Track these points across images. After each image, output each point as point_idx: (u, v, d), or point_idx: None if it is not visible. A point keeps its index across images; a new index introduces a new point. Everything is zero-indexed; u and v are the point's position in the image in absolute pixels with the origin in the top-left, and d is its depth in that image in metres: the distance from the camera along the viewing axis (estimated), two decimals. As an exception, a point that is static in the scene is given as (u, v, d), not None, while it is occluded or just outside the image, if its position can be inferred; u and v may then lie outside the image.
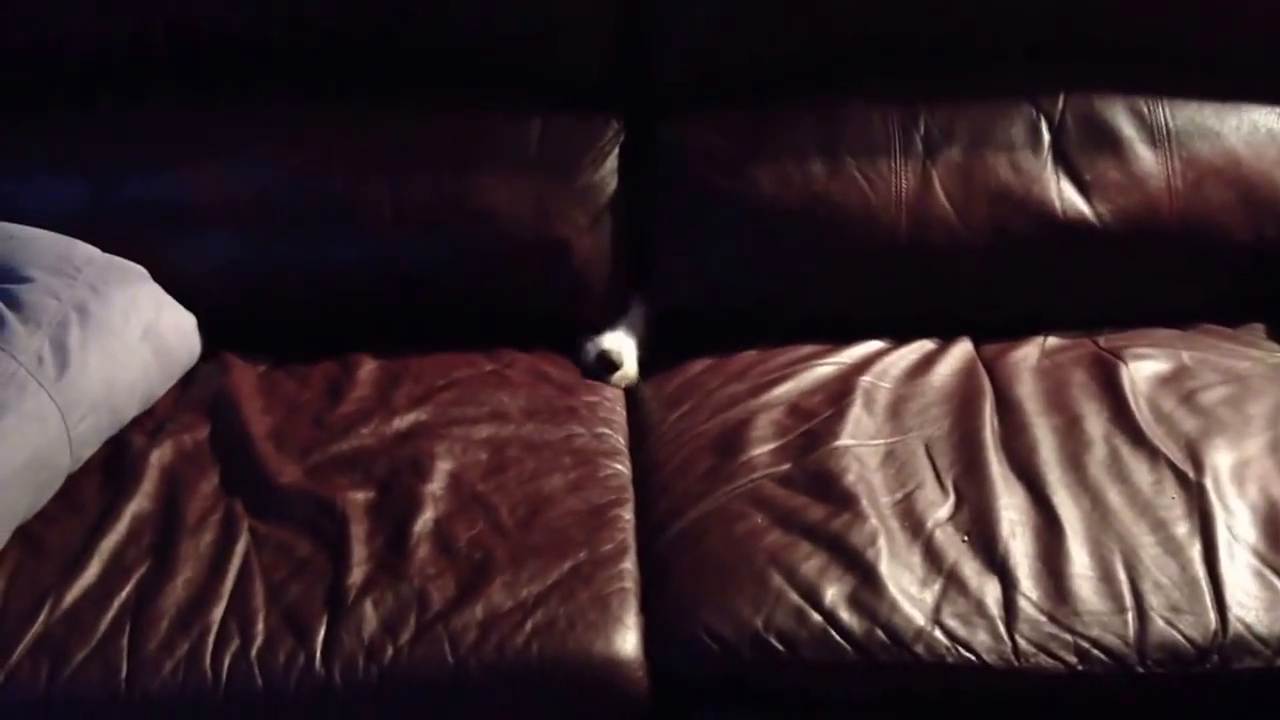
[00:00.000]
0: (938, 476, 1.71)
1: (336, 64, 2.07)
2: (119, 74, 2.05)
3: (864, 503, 1.65)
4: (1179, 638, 1.50)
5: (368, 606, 1.54)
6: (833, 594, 1.54)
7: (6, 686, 1.46)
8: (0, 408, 1.60)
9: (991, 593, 1.54)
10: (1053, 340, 1.97)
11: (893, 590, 1.54)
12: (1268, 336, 2.00)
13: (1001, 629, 1.51)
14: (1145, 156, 2.02)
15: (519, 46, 2.06)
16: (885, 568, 1.56)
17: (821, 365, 1.93)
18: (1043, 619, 1.52)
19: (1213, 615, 1.52)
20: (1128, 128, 2.04)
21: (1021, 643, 1.50)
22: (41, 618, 1.52)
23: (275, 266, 2.01)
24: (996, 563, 1.57)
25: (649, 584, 1.61)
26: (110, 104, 2.04)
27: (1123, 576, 1.56)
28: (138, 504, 1.68)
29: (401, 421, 1.83)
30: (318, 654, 1.50)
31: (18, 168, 2.01)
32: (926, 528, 1.63)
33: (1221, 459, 1.71)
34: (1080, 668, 1.49)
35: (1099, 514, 1.64)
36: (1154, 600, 1.53)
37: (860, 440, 1.77)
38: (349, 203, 2.00)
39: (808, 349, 1.97)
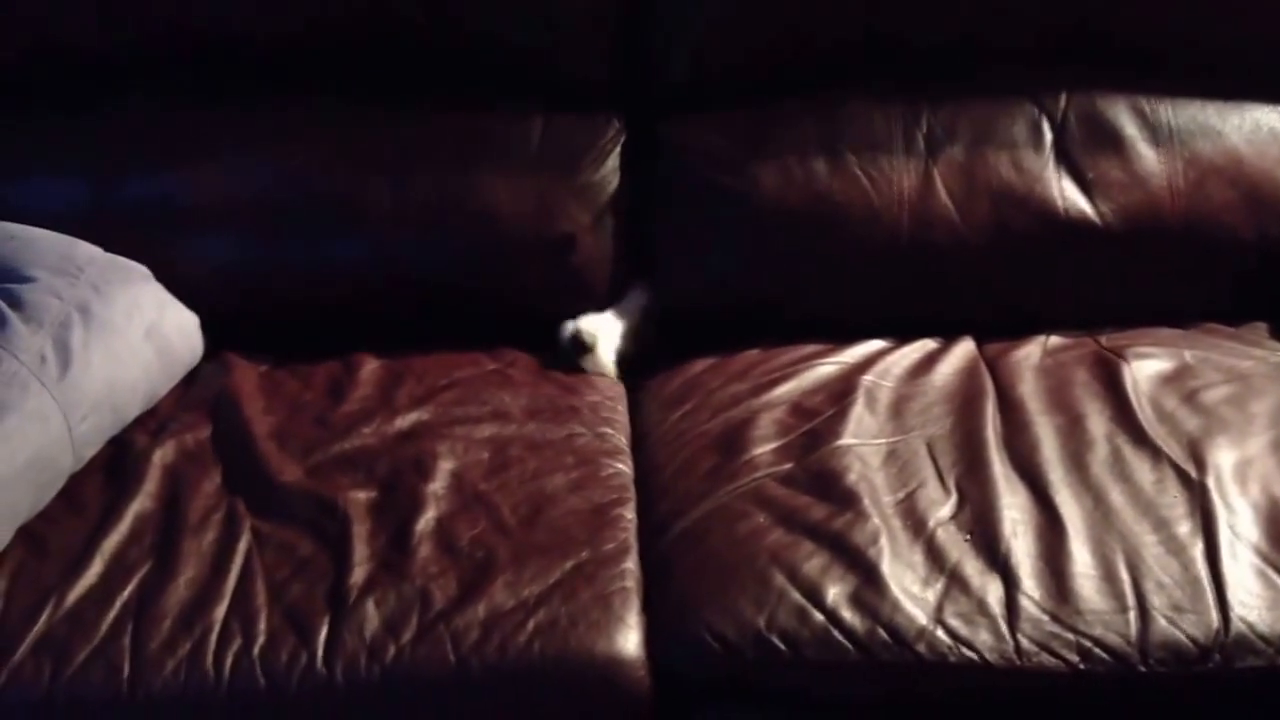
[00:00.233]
0: (940, 476, 1.71)
1: (338, 64, 2.07)
2: (121, 74, 2.05)
3: (866, 502, 1.65)
4: (1181, 637, 1.50)
5: (370, 606, 1.54)
6: (835, 593, 1.54)
7: (9, 686, 1.46)
8: (2, 407, 1.61)
9: (994, 592, 1.54)
10: (1055, 339, 1.97)
11: (895, 589, 1.54)
12: (1270, 335, 2.00)
13: (1004, 628, 1.51)
14: (1147, 155, 2.02)
15: (520, 46, 2.06)
16: (887, 567, 1.56)
17: (823, 364, 1.93)
18: (1045, 618, 1.52)
19: (1215, 614, 1.52)
20: (1130, 127, 2.04)
21: (1024, 642, 1.50)
22: (44, 617, 1.52)
23: (277, 266, 2.01)
24: (998, 562, 1.57)
25: (651, 583, 1.61)
26: (112, 104, 2.04)
27: (1125, 575, 1.56)
28: (140, 503, 1.68)
29: (403, 421, 1.83)
30: (320, 653, 1.50)
31: (20, 168, 2.02)
32: (928, 527, 1.62)
33: (1224, 458, 1.70)
34: (1082, 667, 1.49)
35: (1101, 513, 1.64)
36: (1156, 599, 1.53)
37: (862, 439, 1.77)
38: (350, 202, 2.01)
39: (810, 348, 1.97)
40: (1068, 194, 2.00)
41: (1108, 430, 1.77)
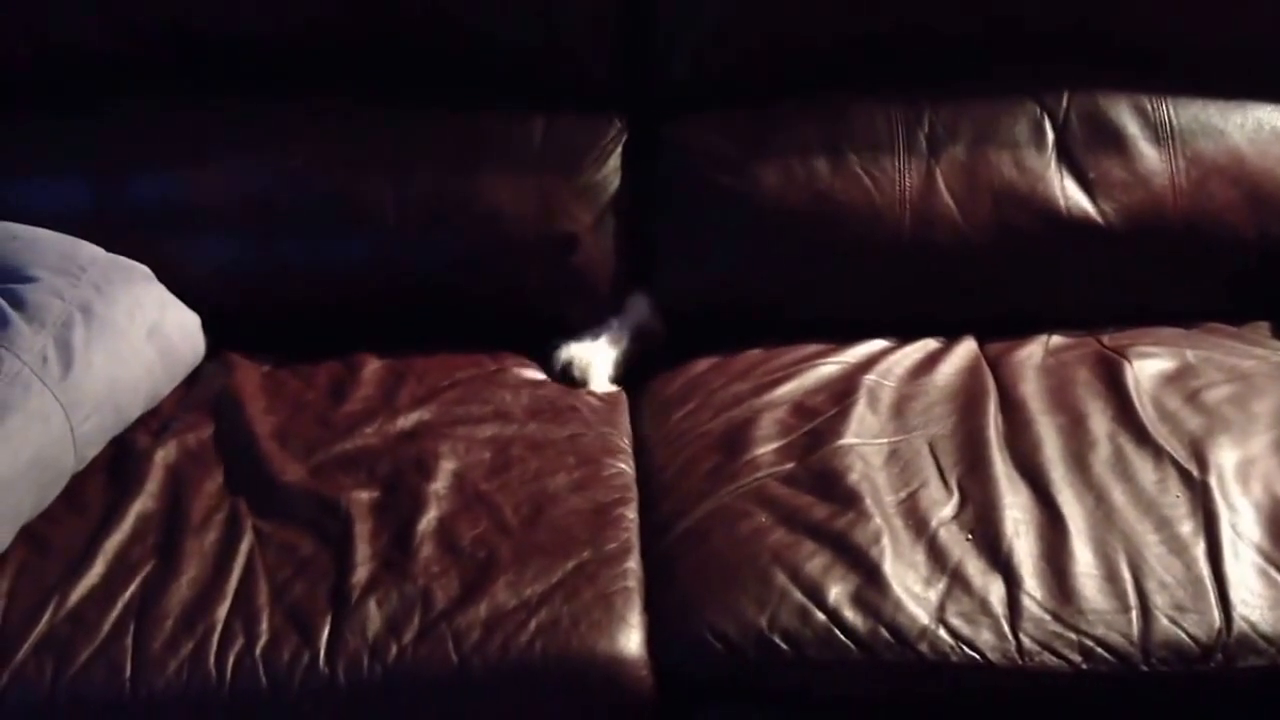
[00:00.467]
0: (942, 475, 1.71)
1: (339, 64, 2.07)
2: (122, 74, 2.05)
3: (868, 501, 1.65)
4: (1183, 636, 1.50)
5: (372, 605, 1.54)
6: (837, 593, 1.54)
7: (11, 686, 1.46)
8: (4, 407, 1.61)
9: (996, 591, 1.54)
10: (1057, 339, 1.97)
11: (897, 589, 1.54)
12: (1272, 335, 2.00)
13: (1006, 628, 1.51)
14: (1149, 154, 2.02)
15: (520, 45, 2.06)
16: (889, 566, 1.56)
17: (825, 364, 1.93)
18: (1047, 618, 1.52)
19: (1217, 614, 1.52)
20: (1132, 126, 2.03)
21: (1026, 641, 1.50)
22: (46, 617, 1.52)
23: (279, 266, 2.01)
24: (1000, 561, 1.57)
25: (653, 583, 1.61)
26: (113, 104, 2.04)
27: (1127, 575, 1.56)
28: (142, 503, 1.68)
29: (405, 421, 1.83)
30: (322, 653, 1.50)
31: (21, 168, 2.02)
32: (930, 526, 1.62)
33: (1226, 457, 1.70)
34: (1084, 666, 1.49)
35: (1103, 513, 1.64)
36: (1158, 599, 1.53)
37: (864, 439, 1.77)
38: (352, 202, 2.01)
39: (811, 348, 1.97)
40: (1070, 193, 2.00)
41: (1110, 430, 1.77)
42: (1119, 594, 1.54)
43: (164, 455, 1.76)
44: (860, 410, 1.82)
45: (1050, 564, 1.57)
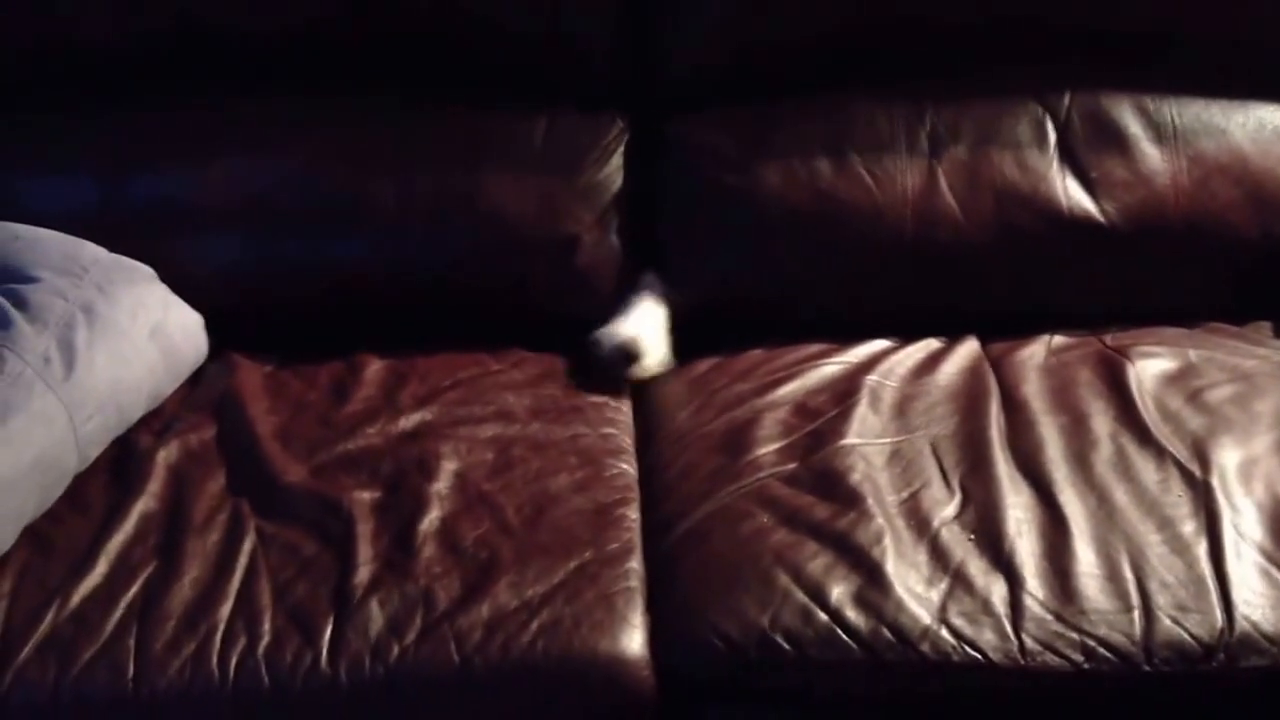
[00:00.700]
0: (944, 475, 1.71)
1: (342, 63, 2.07)
2: (124, 74, 2.05)
3: (870, 501, 1.65)
4: (1185, 636, 1.50)
5: (374, 606, 1.54)
6: (839, 593, 1.54)
7: (14, 686, 1.47)
8: (7, 408, 1.61)
9: (998, 591, 1.54)
10: (1059, 339, 1.97)
11: (899, 589, 1.54)
12: (1274, 335, 2.00)
13: (1008, 628, 1.51)
14: (1151, 154, 2.02)
15: (524, 44, 2.06)
16: (891, 566, 1.56)
17: (827, 364, 1.93)
18: (1049, 618, 1.52)
19: (1219, 614, 1.52)
20: (1134, 125, 2.03)
21: (1028, 641, 1.50)
22: (49, 617, 1.53)
23: (281, 266, 2.01)
24: (1003, 561, 1.57)
25: (655, 583, 1.61)
26: (116, 104, 2.04)
27: (1129, 575, 1.56)
28: (145, 504, 1.69)
29: (407, 421, 1.83)
30: (324, 653, 1.50)
31: (24, 168, 2.02)
32: (932, 526, 1.62)
33: (1228, 457, 1.70)
34: (1086, 666, 1.49)
35: (1105, 512, 1.64)
36: (1160, 599, 1.53)
37: (866, 439, 1.77)
38: (354, 202, 2.01)
39: (814, 348, 1.97)
40: (1071, 193, 2.00)
41: (1112, 430, 1.76)
42: (1121, 594, 1.54)
43: (166, 455, 1.76)
44: (862, 410, 1.82)
45: (1052, 564, 1.57)
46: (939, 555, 1.59)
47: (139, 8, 2.00)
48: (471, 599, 1.54)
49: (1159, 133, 2.03)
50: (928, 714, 1.56)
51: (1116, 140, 2.02)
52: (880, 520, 1.62)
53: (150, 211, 2.00)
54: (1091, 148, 2.02)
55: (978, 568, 1.57)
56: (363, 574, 1.58)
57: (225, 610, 1.54)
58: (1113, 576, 1.56)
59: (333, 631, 1.52)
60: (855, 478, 1.69)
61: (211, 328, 1.96)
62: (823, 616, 1.52)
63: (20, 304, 1.73)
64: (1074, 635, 1.50)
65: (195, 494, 1.70)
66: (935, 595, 1.54)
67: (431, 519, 1.65)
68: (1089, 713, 1.55)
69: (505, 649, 1.50)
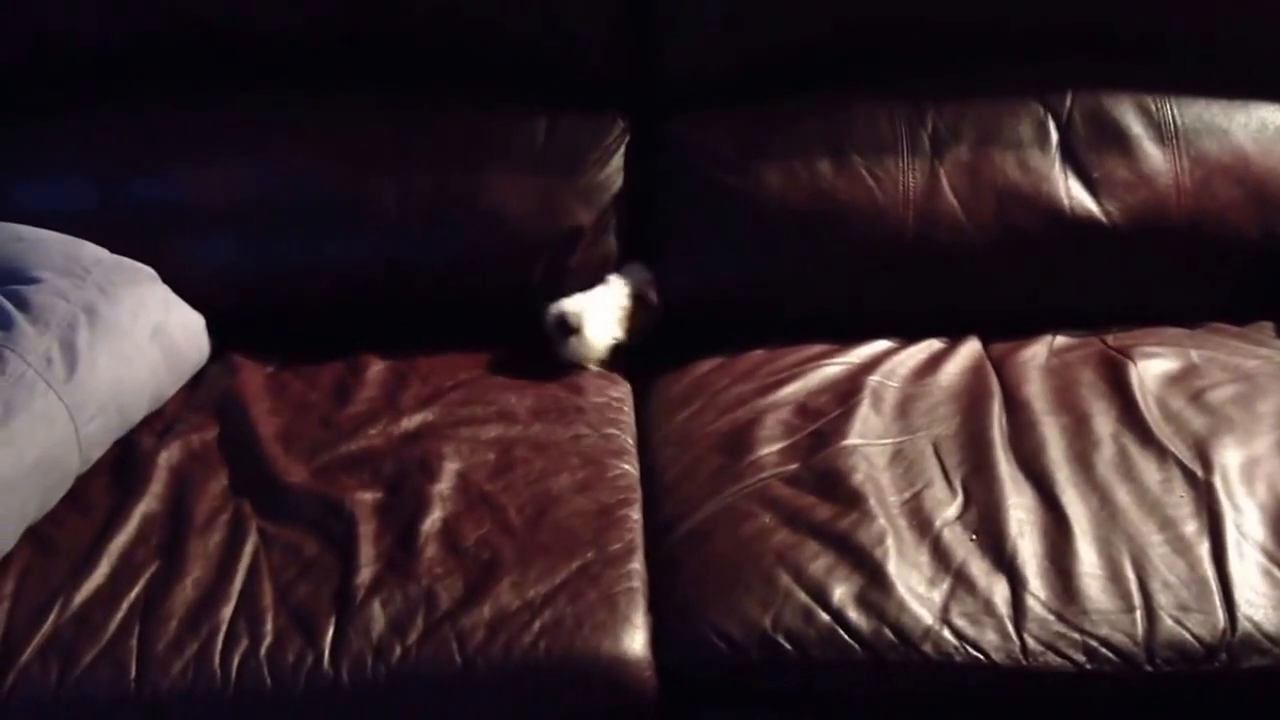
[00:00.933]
0: (946, 476, 1.71)
1: (343, 63, 2.07)
2: (126, 75, 2.05)
3: (872, 502, 1.65)
4: (1187, 636, 1.50)
5: (376, 606, 1.54)
6: (841, 593, 1.54)
7: (17, 687, 1.47)
8: (9, 409, 1.61)
9: (1000, 592, 1.54)
10: (1061, 339, 1.97)
11: (901, 589, 1.54)
12: (1276, 335, 2.00)
13: (1010, 628, 1.51)
14: (1153, 154, 2.02)
15: (524, 44, 2.06)
16: (893, 567, 1.56)
17: (829, 365, 1.93)
18: (1051, 618, 1.52)
19: (1221, 614, 1.52)
20: (1136, 125, 2.03)
21: (1030, 642, 1.50)
22: (51, 618, 1.53)
23: (282, 266, 2.02)
24: (1004, 562, 1.57)
25: (657, 584, 1.61)
26: (117, 105, 2.04)
27: (1131, 575, 1.56)
28: (146, 504, 1.69)
29: (409, 422, 1.83)
30: (326, 654, 1.50)
31: (25, 169, 2.02)
32: (934, 527, 1.62)
33: (1230, 457, 1.70)
34: (1088, 667, 1.49)
35: (1107, 513, 1.64)
36: (1162, 599, 1.53)
37: (868, 440, 1.77)
38: (355, 202, 2.01)
39: (816, 349, 1.97)
40: (1073, 193, 2.00)
41: (1114, 430, 1.76)
42: (1123, 594, 1.54)
43: (168, 456, 1.76)
44: (864, 411, 1.82)
45: (1054, 564, 1.57)
46: (941, 556, 1.59)
47: (141, 8, 2.00)
48: (473, 599, 1.54)
49: (1161, 133, 2.03)
50: (930, 714, 1.56)
51: (1118, 140, 2.02)
52: (882, 521, 1.62)
53: (151, 212, 2.01)
54: (1093, 148, 2.02)
55: (980, 568, 1.57)
56: (365, 574, 1.58)
57: (227, 611, 1.54)
58: (1115, 577, 1.56)
59: (335, 632, 1.52)
60: (857, 478, 1.69)
61: (213, 328, 1.97)
62: (825, 617, 1.52)
63: (22, 305, 1.73)
64: (1076, 635, 1.50)
65: (197, 495, 1.70)
66: (937, 595, 1.54)
67: (433, 519, 1.65)
68: (1091, 713, 1.55)
69: (507, 649, 1.50)
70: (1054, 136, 2.02)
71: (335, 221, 2.01)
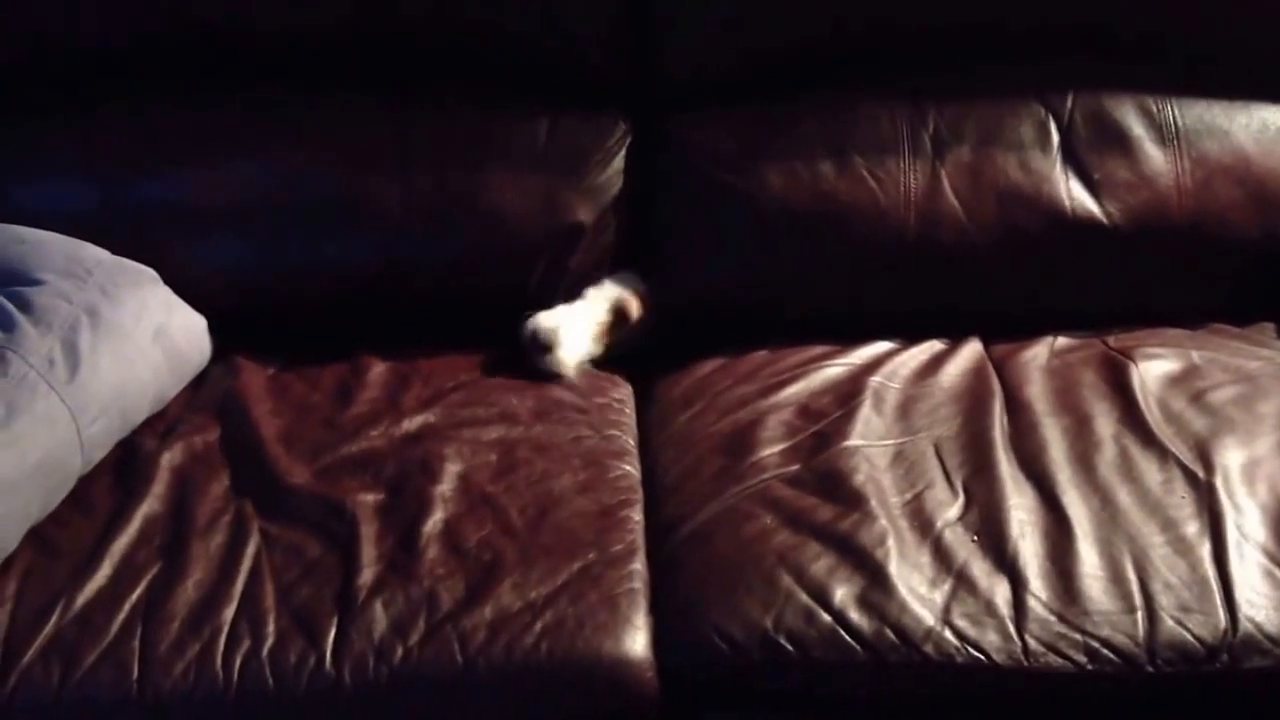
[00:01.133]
0: (947, 477, 1.71)
1: (344, 64, 2.07)
2: (127, 75, 2.05)
3: (873, 503, 1.65)
4: (1189, 637, 1.50)
5: (378, 607, 1.54)
6: (842, 594, 1.54)
7: (19, 688, 1.47)
8: (12, 410, 1.61)
9: (1001, 593, 1.54)
10: (1062, 340, 1.97)
11: (902, 590, 1.54)
12: (1277, 336, 1.99)
13: (1011, 629, 1.51)
14: (1154, 155, 2.02)
15: (525, 44, 2.06)
16: (895, 568, 1.56)
17: (831, 366, 1.93)
18: (1052, 619, 1.52)
19: (1222, 615, 1.52)
20: (1137, 126, 2.03)
21: (1031, 642, 1.50)
22: (53, 619, 1.53)
23: (284, 267, 2.02)
24: (1006, 563, 1.57)
25: (658, 585, 1.61)
26: (118, 105, 2.04)
27: (1132, 576, 1.56)
28: (149, 506, 1.69)
29: (411, 423, 1.83)
30: (328, 655, 1.50)
31: (27, 170, 2.02)
32: (936, 528, 1.63)
33: (1231, 458, 1.70)
34: (1090, 667, 1.49)
35: (1108, 514, 1.64)
36: (1164, 600, 1.53)
37: (869, 441, 1.77)
38: (357, 203, 2.01)
39: (817, 350, 1.97)
40: (1075, 194, 2.00)
41: (1115, 431, 1.76)
42: (1124, 595, 1.54)
43: (170, 458, 1.76)
44: (865, 412, 1.82)
45: (1055, 565, 1.57)
46: (942, 556, 1.59)
47: (141, 8, 2.00)
48: (475, 600, 1.54)
49: (1162, 134, 2.03)
50: (931, 715, 1.56)
51: (1119, 141, 2.02)
52: (884, 521, 1.62)
53: (152, 213, 2.01)
54: (1094, 149, 2.02)
55: (981, 569, 1.57)
56: (366, 576, 1.58)
57: (229, 612, 1.54)
58: (1116, 578, 1.56)
59: (337, 633, 1.52)
60: (859, 479, 1.69)
61: (214, 330, 1.97)
62: (826, 618, 1.52)
63: (24, 306, 1.73)
64: (1077, 636, 1.51)
65: (199, 496, 1.70)
66: (938, 596, 1.54)
67: (435, 521, 1.65)
68: (1092, 714, 1.55)
69: (508, 650, 1.50)
70: (1055, 137, 2.02)
71: (336, 222, 2.01)
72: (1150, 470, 1.70)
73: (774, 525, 1.64)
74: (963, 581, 1.56)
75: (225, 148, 2.03)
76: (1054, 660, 1.50)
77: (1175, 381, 1.85)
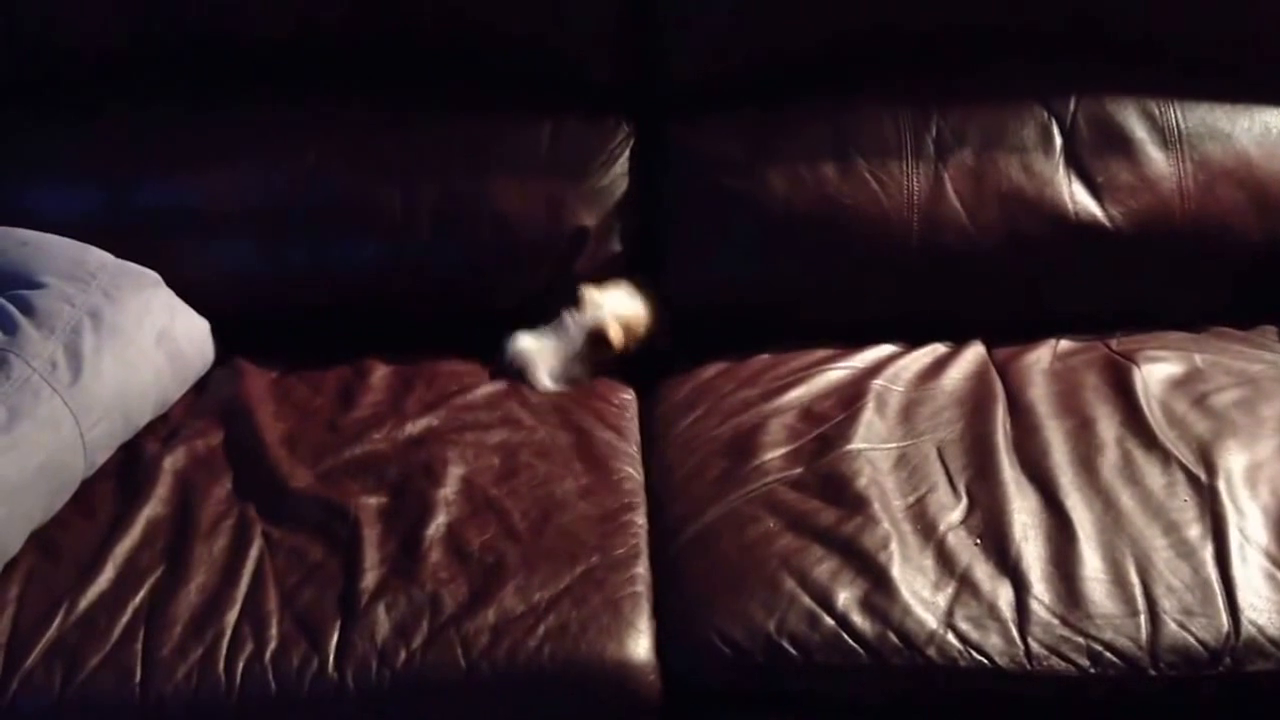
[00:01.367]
0: (950, 480, 1.71)
1: (348, 68, 2.07)
2: (131, 79, 2.06)
3: (876, 506, 1.65)
4: (1191, 640, 1.50)
5: (380, 611, 1.54)
6: (845, 597, 1.54)
7: (21, 691, 1.47)
8: (14, 413, 1.61)
9: (1004, 596, 1.54)
10: (1065, 343, 1.97)
11: (905, 593, 1.54)
12: (1279, 339, 2.00)
13: (1014, 632, 1.51)
14: (1157, 158, 2.02)
15: (529, 49, 2.06)
16: (897, 571, 1.56)
17: (834, 369, 1.93)
18: (1055, 622, 1.52)
19: (1225, 618, 1.52)
20: (1139, 129, 2.03)
21: (1034, 646, 1.50)
22: (56, 623, 1.53)
23: (287, 271, 2.02)
24: (1009, 566, 1.57)
25: (661, 588, 1.61)
26: (123, 109, 2.05)
27: (1135, 579, 1.56)
28: (151, 509, 1.69)
29: (414, 427, 1.83)
30: (330, 658, 1.50)
31: (31, 174, 2.02)
32: (939, 531, 1.62)
33: (1234, 461, 1.70)
34: (1092, 670, 1.49)
35: (1111, 517, 1.64)
36: (1166, 603, 1.53)
37: (872, 444, 1.77)
38: (360, 206, 2.01)
39: (820, 353, 1.97)
40: (1077, 197, 2.00)
41: (1118, 434, 1.76)
42: (1127, 598, 1.54)
43: (173, 461, 1.76)
44: (868, 415, 1.82)
45: (1058, 568, 1.57)
46: (945, 560, 1.59)
47: (145, 13, 2.00)
48: (478, 604, 1.54)
49: (1164, 137, 2.03)
50: (934, 718, 1.56)
51: (1122, 145, 2.02)
52: (886, 525, 1.62)
53: (156, 217, 2.01)
54: (1097, 152, 2.02)
55: (984, 572, 1.57)
56: (369, 579, 1.58)
57: (232, 616, 1.54)
58: (1118, 581, 1.56)
59: (339, 637, 1.52)
60: (861, 482, 1.69)
61: (218, 333, 1.97)
62: (829, 621, 1.52)
63: (27, 309, 1.74)
64: (1080, 639, 1.51)
65: (202, 499, 1.70)
66: (941, 600, 1.54)
67: (438, 524, 1.65)
68: (1095, 717, 1.55)
69: (511, 654, 1.50)
70: (1058, 140, 2.02)
71: (339, 226, 2.01)
72: (1153, 473, 1.70)
73: (777, 529, 1.64)
74: (965, 585, 1.56)
75: (229, 152, 2.03)
76: (1057, 663, 1.49)
77: (1178, 384, 1.85)
